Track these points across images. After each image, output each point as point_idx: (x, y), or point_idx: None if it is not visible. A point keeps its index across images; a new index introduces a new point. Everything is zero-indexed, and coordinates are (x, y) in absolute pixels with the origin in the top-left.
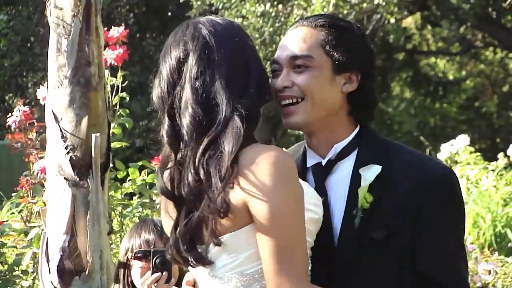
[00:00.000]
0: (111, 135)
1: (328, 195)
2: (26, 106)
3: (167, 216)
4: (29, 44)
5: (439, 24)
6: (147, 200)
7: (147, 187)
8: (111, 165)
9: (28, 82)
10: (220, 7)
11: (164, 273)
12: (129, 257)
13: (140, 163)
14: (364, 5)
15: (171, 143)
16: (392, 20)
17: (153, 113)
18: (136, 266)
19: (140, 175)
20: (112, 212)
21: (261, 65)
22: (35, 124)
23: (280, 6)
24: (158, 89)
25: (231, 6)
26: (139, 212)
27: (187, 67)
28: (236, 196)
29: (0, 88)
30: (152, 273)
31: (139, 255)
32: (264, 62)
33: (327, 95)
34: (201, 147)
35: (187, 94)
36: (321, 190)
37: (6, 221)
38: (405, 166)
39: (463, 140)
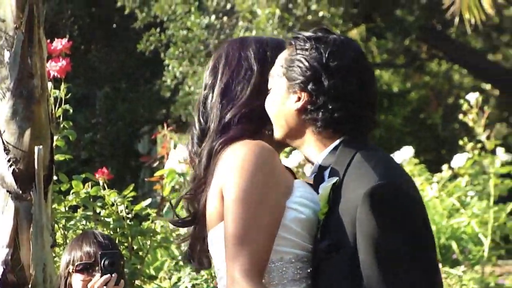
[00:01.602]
0: (54, 147)
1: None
2: None
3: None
4: None
5: (384, 36)
6: (91, 213)
7: (91, 199)
8: (54, 177)
9: None
10: (165, 19)
11: (113, 275)
12: (70, 270)
13: (83, 176)
14: (309, 17)
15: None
16: (337, 32)
17: (97, 125)
18: (77, 279)
19: (83, 187)
20: (56, 225)
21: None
22: None
23: (225, 18)
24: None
25: (176, 18)
26: (83, 225)
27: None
28: (214, 189)
29: None
30: (102, 275)
31: (80, 267)
32: None
33: (282, 113)
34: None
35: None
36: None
37: None
38: (356, 178)
39: (407, 151)
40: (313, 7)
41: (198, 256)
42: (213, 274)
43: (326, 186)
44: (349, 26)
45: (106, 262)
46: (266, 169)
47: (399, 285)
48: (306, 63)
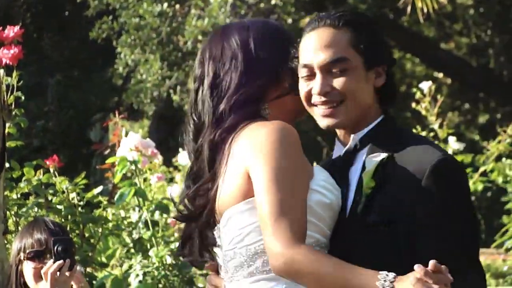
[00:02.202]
0: (6, 134)
1: (349, 184)
2: None
3: None
4: None
5: None
6: (43, 200)
7: (42, 187)
8: (6, 164)
9: None
10: (118, 7)
11: (67, 261)
12: (22, 258)
13: (35, 163)
14: (262, 5)
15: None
16: (290, 21)
17: (49, 113)
18: (29, 266)
19: (35, 175)
20: (8, 212)
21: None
22: None
23: (177, 6)
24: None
25: (128, 6)
26: (35, 212)
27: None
28: (236, 170)
29: None
30: (55, 261)
31: (31, 255)
32: (161, 63)
33: (364, 93)
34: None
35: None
36: (343, 180)
37: None
38: (409, 155)
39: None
40: None
41: (198, 250)
42: (164, 262)
43: (373, 162)
44: (301, 15)
45: (59, 248)
46: (293, 146)
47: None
48: (380, 38)
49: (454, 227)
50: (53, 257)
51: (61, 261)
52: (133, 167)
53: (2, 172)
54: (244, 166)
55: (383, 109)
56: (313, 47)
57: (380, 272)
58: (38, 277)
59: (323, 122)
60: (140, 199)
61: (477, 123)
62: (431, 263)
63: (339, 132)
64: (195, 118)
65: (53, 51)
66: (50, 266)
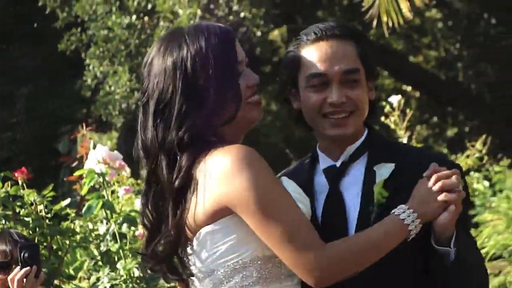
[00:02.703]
0: None
1: (343, 195)
2: None
3: None
4: None
5: None
6: (10, 212)
7: (10, 199)
8: None
9: None
10: (86, 19)
11: (33, 267)
12: None
13: (2, 174)
14: (231, 17)
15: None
16: (259, 33)
17: (17, 125)
18: None
19: (3, 187)
20: None
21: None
22: None
23: (146, 18)
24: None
25: (96, 18)
26: (3, 224)
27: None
28: (207, 197)
29: None
30: (21, 268)
31: None
32: (130, 74)
33: (367, 105)
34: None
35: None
36: (336, 191)
37: None
38: (417, 163)
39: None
40: (235, 7)
41: (173, 267)
42: (132, 275)
43: (382, 172)
44: (270, 27)
45: (26, 255)
46: (262, 169)
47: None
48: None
49: (469, 223)
50: (20, 263)
51: (27, 268)
52: (100, 179)
53: None
54: (218, 198)
55: (366, 122)
56: (327, 57)
57: (393, 211)
58: (5, 287)
59: (333, 132)
60: (108, 212)
61: (445, 137)
62: (431, 167)
63: (327, 144)
64: (142, 136)
65: (22, 61)
66: (17, 272)
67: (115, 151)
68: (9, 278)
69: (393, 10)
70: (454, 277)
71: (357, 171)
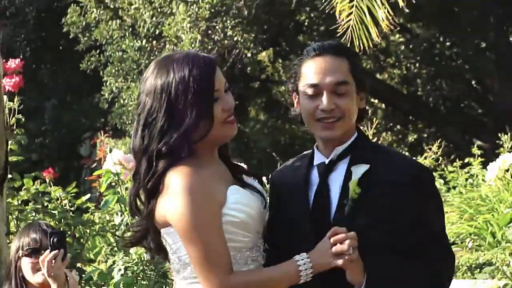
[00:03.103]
0: (9, 150)
1: (329, 187)
2: None
3: None
4: None
5: (289, 58)
6: (40, 206)
7: (40, 195)
8: (9, 176)
9: None
10: (104, 42)
11: (61, 250)
12: (20, 255)
13: (33, 174)
14: (225, 41)
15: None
16: (249, 54)
17: (46, 132)
18: (26, 261)
19: (33, 184)
20: (10, 216)
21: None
22: None
23: (154, 42)
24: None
25: (112, 42)
26: (33, 216)
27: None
28: (161, 208)
29: None
30: (51, 251)
31: (28, 252)
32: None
33: (355, 113)
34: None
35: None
36: (323, 183)
37: None
38: (389, 165)
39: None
40: (229, 33)
41: (153, 246)
42: (142, 258)
43: (358, 171)
44: (258, 49)
45: (55, 240)
46: (198, 195)
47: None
48: (362, 69)
49: (439, 223)
50: (49, 247)
51: (56, 251)
52: (116, 178)
53: (5, 182)
54: (163, 210)
55: (357, 126)
56: (321, 71)
57: (295, 256)
58: (34, 270)
59: (323, 134)
60: (122, 205)
61: (406, 142)
62: (332, 230)
63: (321, 143)
64: (134, 141)
65: (49, 79)
66: (47, 255)
67: (128, 154)
68: (40, 259)
69: (364, 35)
70: None
71: (342, 169)
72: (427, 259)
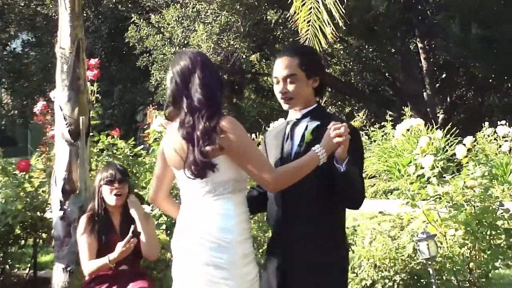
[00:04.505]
0: (90, 117)
1: (294, 135)
2: (45, 102)
3: (173, 152)
4: (47, 68)
5: (270, 59)
6: (110, 153)
7: (111, 145)
8: (91, 134)
9: (47, 89)
10: (151, 49)
11: (135, 239)
12: (102, 183)
13: (106, 132)
14: (229, 48)
15: (190, 112)
16: (244, 56)
17: (114, 106)
18: (105, 188)
19: (106, 139)
20: (91, 159)
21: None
22: (49, 111)
23: (184, 48)
24: (173, 84)
25: (157, 48)
26: (106, 159)
27: (194, 76)
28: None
29: (31, 93)
30: (130, 238)
31: (106, 181)
32: None
33: (306, 92)
34: (206, 116)
35: (197, 88)
36: (292, 132)
37: (35, 164)
38: (329, 122)
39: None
40: (231, 42)
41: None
42: None
43: (312, 125)
44: (250, 53)
45: (133, 231)
46: (242, 127)
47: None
48: (316, 61)
49: (359, 157)
50: (131, 233)
51: (134, 238)
52: (159, 134)
53: (88, 137)
54: (222, 141)
55: (317, 98)
56: (278, 67)
57: (312, 148)
58: (111, 194)
59: (284, 107)
60: None
61: (344, 112)
62: (332, 123)
63: (291, 110)
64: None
65: (116, 72)
66: (127, 240)
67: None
68: (122, 242)
69: (317, 44)
70: (343, 182)
71: (303, 124)
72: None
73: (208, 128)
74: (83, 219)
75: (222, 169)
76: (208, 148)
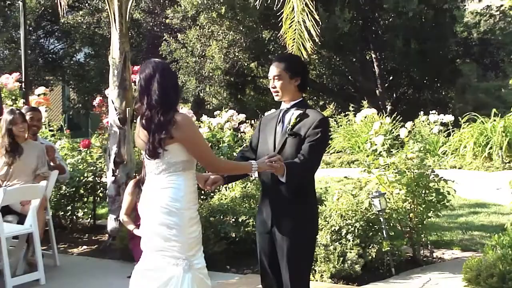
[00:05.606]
0: (134, 108)
1: (284, 120)
2: (101, 97)
3: (139, 138)
4: (103, 73)
5: (265, 66)
6: None
7: None
8: (134, 120)
9: (102, 88)
10: (178, 58)
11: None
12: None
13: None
14: (234, 58)
15: (149, 108)
16: (245, 64)
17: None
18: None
19: None
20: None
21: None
22: (104, 104)
23: (201, 59)
24: (138, 86)
25: (182, 58)
26: None
27: (154, 80)
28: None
29: (91, 91)
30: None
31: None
32: (195, 80)
33: (289, 88)
34: (161, 112)
35: (155, 89)
36: (282, 119)
37: (94, 143)
38: (310, 114)
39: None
40: (236, 53)
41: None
42: None
43: (296, 113)
44: (250, 62)
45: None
46: (194, 124)
47: (318, 154)
48: (300, 66)
49: (320, 145)
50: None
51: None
52: None
53: (132, 123)
54: (176, 136)
55: (301, 94)
56: (271, 70)
57: (251, 161)
58: None
59: (276, 98)
60: None
61: (319, 104)
62: (269, 154)
63: (282, 102)
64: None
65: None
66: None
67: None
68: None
69: (300, 55)
70: (291, 182)
71: (291, 112)
72: (307, 156)
73: (162, 121)
74: (131, 183)
75: (174, 153)
76: (162, 136)
